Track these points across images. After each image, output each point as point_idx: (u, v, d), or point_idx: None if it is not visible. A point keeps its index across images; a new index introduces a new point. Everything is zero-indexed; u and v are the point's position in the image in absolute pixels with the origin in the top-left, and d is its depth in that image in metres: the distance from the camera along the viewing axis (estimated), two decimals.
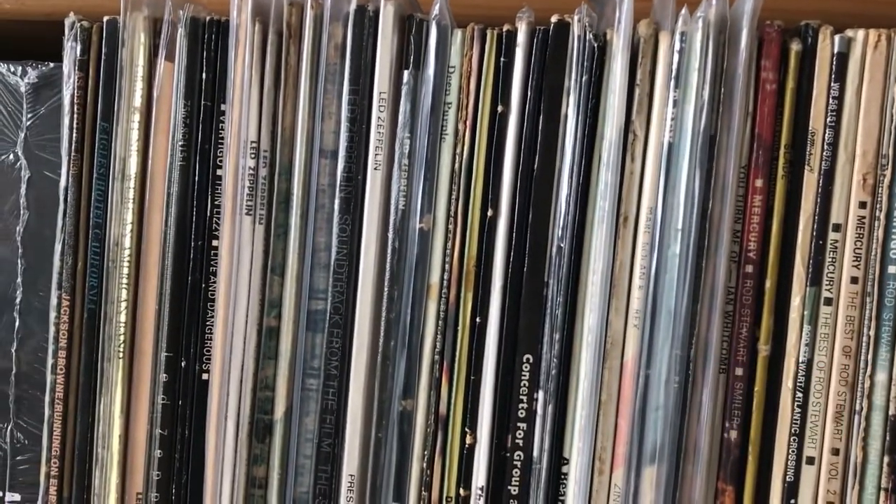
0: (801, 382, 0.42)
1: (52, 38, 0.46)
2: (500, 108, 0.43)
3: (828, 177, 0.42)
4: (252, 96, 0.44)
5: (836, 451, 0.42)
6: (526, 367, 0.43)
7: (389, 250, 0.44)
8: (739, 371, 0.43)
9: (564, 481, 0.44)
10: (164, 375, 0.45)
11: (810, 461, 0.42)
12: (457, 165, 0.44)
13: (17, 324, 0.47)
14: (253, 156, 0.44)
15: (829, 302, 0.42)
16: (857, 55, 0.41)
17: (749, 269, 0.42)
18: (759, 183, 0.42)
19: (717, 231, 0.42)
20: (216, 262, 0.44)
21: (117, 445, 0.45)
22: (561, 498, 0.44)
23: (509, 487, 0.44)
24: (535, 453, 0.43)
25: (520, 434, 0.44)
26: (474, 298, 0.44)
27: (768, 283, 0.42)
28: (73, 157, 0.45)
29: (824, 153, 0.42)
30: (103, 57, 0.45)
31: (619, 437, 0.43)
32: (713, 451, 0.43)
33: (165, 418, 0.45)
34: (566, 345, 0.43)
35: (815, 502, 0.42)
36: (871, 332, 0.41)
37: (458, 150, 0.44)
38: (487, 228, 0.43)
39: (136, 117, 0.45)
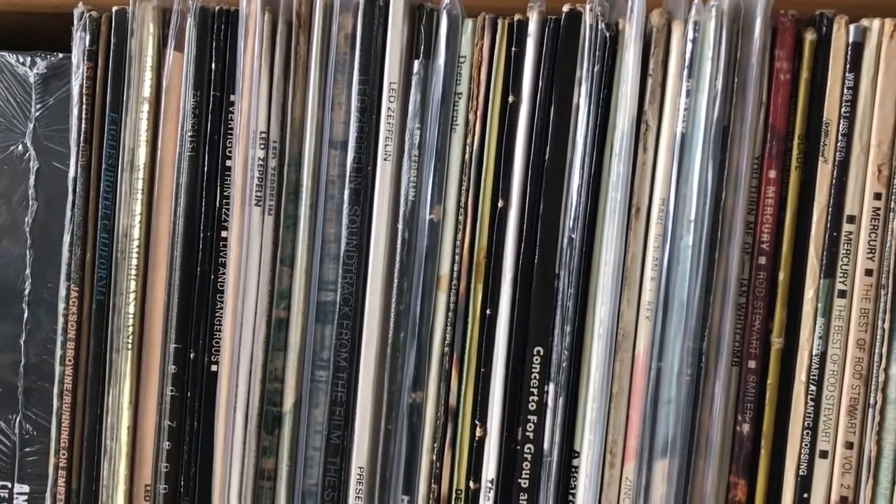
0: (814, 375, 0.42)
1: (61, 30, 0.46)
2: (511, 99, 0.43)
3: (842, 168, 0.41)
4: (261, 86, 0.44)
5: (849, 445, 0.42)
6: (536, 360, 0.43)
7: (399, 241, 0.44)
8: (752, 364, 0.42)
9: (575, 474, 0.43)
10: (173, 367, 0.45)
11: (823, 455, 0.42)
12: (467, 156, 0.43)
13: (25, 315, 0.47)
14: (262, 146, 0.44)
15: (843, 294, 0.42)
16: (872, 45, 0.41)
17: (762, 260, 0.42)
18: (772, 174, 0.42)
19: (730, 222, 0.41)
20: (225, 253, 0.44)
21: (126, 437, 0.45)
22: (571, 491, 0.43)
23: (519, 480, 0.44)
24: (546, 446, 0.43)
25: (530, 427, 0.43)
26: (484, 290, 0.43)
27: (782, 275, 0.42)
28: (81, 148, 0.45)
29: (839, 144, 0.41)
30: (112, 47, 0.45)
31: (631, 429, 0.43)
32: (725, 445, 0.43)
33: (174, 410, 0.45)
34: (577, 337, 0.43)
35: (828, 496, 0.42)
36: (886, 325, 0.41)
37: (469, 141, 0.43)
38: (498, 219, 0.43)
39: (145, 107, 0.45)
